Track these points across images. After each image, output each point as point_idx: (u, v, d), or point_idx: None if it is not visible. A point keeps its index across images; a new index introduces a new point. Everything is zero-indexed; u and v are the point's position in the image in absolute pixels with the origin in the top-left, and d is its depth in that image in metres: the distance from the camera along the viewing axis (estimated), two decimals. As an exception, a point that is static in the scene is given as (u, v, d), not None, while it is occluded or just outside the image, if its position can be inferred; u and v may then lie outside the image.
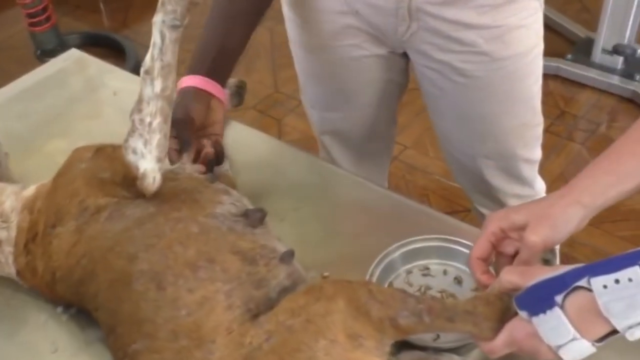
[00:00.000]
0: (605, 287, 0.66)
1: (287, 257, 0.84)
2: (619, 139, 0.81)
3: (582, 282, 0.68)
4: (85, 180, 0.90)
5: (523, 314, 0.72)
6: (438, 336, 0.85)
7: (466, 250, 0.94)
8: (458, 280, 0.94)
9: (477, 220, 1.49)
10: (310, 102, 1.39)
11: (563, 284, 0.69)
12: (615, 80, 2.55)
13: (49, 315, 0.94)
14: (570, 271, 0.70)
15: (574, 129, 2.44)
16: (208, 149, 1.06)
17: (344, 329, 0.74)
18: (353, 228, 1.04)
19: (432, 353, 0.82)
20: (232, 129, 1.21)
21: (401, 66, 1.27)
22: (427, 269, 0.95)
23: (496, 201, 1.35)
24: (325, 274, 0.96)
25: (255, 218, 0.88)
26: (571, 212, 0.78)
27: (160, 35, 0.87)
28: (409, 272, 0.95)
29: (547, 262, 0.83)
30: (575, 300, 0.69)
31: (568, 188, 0.80)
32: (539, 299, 0.71)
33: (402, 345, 0.82)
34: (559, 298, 0.69)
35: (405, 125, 2.31)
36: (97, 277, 0.82)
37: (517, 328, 0.74)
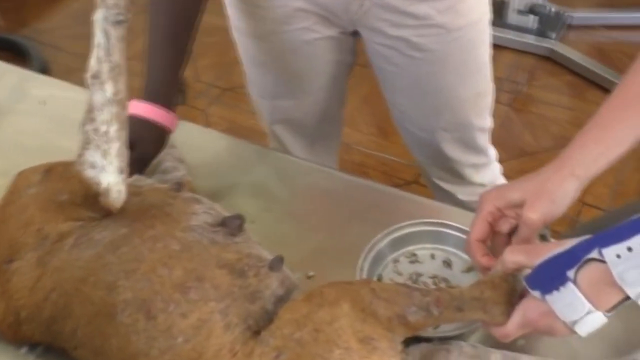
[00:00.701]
0: (618, 256, 0.64)
1: (277, 263, 0.79)
2: (603, 106, 0.80)
3: (594, 254, 0.66)
4: (39, 206, 0.81)
5: (536, 293, 0.70)
6: (438, 324, 0.82)
7: (453, 232, 0.91)
8: (447, 264, 0.91)
9: (432, 194, 1.48)
10: (259, 91, 1.33)
11: (574, 258, 0.67)
12: (531, 39, 2.60)
13: (11, 357, 0.85)
14: (578, 244, 0.68)
15: (499, 90, 2.44)
16: None
17: (354, 333, 0.70)
18: (329, 221, 1.00)
19: (439, 343, 0.79)
20: (178, 129, 1.14)
21: (351, 46, 1.23)
22: (414, 255, 0.92)
23: (454, 173, 1.34)
24: (311, 273, 0.91)
25: (234, 225, 0.82)
26: (567, 186, 0.76)
27: (104, 34, 0.79)
28: (396, 260, 0.92)
29: (542, 237, 0.81)
30: (588, 273, 0.67)
31: (560, 161, 0.78)
32: (551, 276, 0.69)
33: (407, 340, 0.78)
34: (571, 273, 0.67)
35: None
36: (73, 312, 0.74)
37: (530, 308, 0.71)
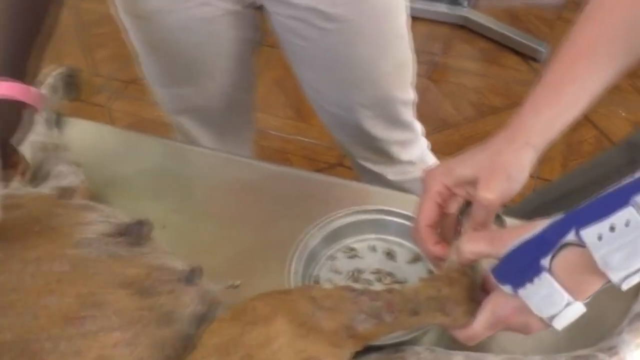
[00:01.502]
0: (600, 238, 0.54)
1: (194, 275, 0.66)
2: (550, 67, 0.70)
3: (570, 238, 0.56)
4: None
5: (506, 288, 0.60)
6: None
7: (394, 219, 0.80)
8: (390, 255, 0.80)
9: (357, 175, 1.38)
10: (157, 79, 1.18)
11: (547, 244, 0.57)
12: (444, 8, 2.53)
13: None
14: (550, 227, 0.58)
15: (417, 62, 2.39)
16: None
17: (295, 355, 0.58)
18: (253, 218, 0.87)
19: (391, 351, 0.67)
20: (73, 129, 0.98)
21: (254, 21, 1.09)
22: (353, 249, 0.81)
23: (379, 152, 1.25)
24: (236, 282, 0.78)
25: (139, 234, 0.68)
26: (524, 157, 0.66)
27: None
28: (332, 257, 0.80)
29: (498, 218, 0.71)
30: (565, 259, 0.57)
31: (512, 130, 0.68)
32: (522, 267, 0.59)
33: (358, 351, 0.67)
34: (545, 261, 0.57)
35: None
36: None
37: (500, 305, 0.61)
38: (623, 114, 2.17)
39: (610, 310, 0.73)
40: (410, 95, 1.22)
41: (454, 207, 0.70)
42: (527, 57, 2.35)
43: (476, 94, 2.24)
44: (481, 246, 0.62)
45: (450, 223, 0.70)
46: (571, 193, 0.91)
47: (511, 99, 2.18)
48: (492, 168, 0.65)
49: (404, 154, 1.27)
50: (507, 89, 2.23)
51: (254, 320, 0.60)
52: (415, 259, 0.79)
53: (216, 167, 0.96)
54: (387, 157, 1.27)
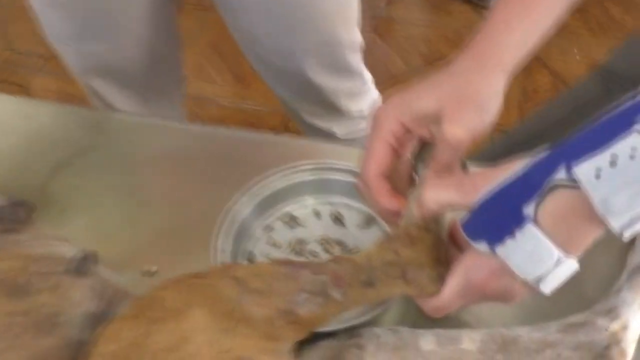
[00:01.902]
0: (598, 175, 0.42)
1: (86, 263, 0.51)
2: None
3: (559, 176, 0.43)
4: None
5: (480, 245, 0.47)
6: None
7: (339, 177, 0.67)
8: (338, 220, 0.67)
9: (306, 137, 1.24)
10: (59, 35, 1.01)
11: (530, 188, 0.45)
12: (385, -43, 2.38)
13: None
14: (533, 165, 0.46)
15: (362, 17, 2.24)
16: None
17: (218, 355, 0.44)
18: (175, 190, 0.72)
19: (345, 338, 0.54)
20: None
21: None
22: (293, 216, 0.67)
23: (327, 105, 1.12)
24: (153, 268, 0.64)
25: (14, 218, 0.53)
26: (496, 83, 0.53)
27: None
28: (269, 228, 0.66)
29: (461, 164, 0.58)
30: (553, 205, 0.44)
31: (479, 52, 0.55)
32: (500, 217, 0.46)
33: (301, 341, 0.53)
34: (529, 209, 0.45)
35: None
36: None
37: (474, 267, 0.49)
38: (577, 56, 2.07)
39: (599, 263, 0.62)
40: (357, 37, 1.09)
41: (407, 149, 0.57)
42: (475, 3, 2.23)
43: (426, 44, 2.11)
44: (447, 193, 0.49)
45: (404, 170, 0.57)
46: (545, 130, 0.79)
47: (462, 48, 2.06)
48: (459, 98, 0.52)
49: (354, 106, 1.15)
50: (458, 37, 2.11)
51: (162, 316, 0.46)
52: (368, 221, 0.66)
53: (132, 133, 0.80)
54: (336, 111, 1.14)
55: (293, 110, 1.19)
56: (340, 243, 0.65)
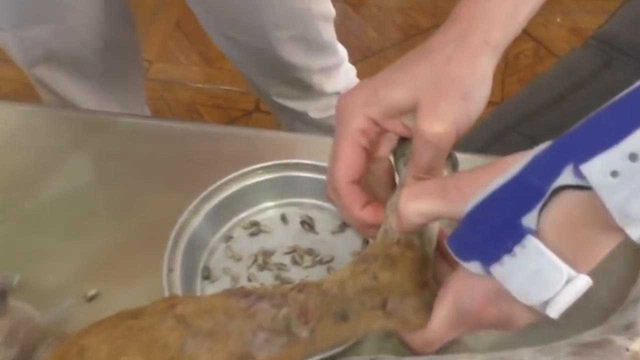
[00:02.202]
0: (614, 173, 0.33)
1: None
2: None
3: (565, 178, 0.35)
4: None
5: (472, 265, 0.38)
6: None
7: (308, 175, 0.58)
8: (308, 225, 0.57)
9: (278, 119, 1.15)
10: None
11: (530, 193, 0.36)
12: None
13: None
14: (531, 164, 0.37)
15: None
16: None
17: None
18: (123, 198, 0.62)
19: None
20: None
21: None
22: (255, 223, 0.58)
23: (299, 84, 1.04)
24: (90, 292, 0.55)
25: None
26: (483, 63, 0.44)
27: None
28: (227, 238, 0.57)
29: (449, 158, 0.48)
30: (560, 213, 0.36)
31: (462, 27, 0.45)
32: (495, 231, 0.37)
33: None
34: (529, 219, 0.36)
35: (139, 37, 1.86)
36: None
37: (464, 293, 0.40)
38: (559, 20, 1.98)
39: (612, 265, 0.53)
40: (329, 7, 1.01)
41: (385, 149, 0.48)
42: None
43: (400, 14, 2.01)
44: (430, 202, 0.40)
45: (381, 172, 0.48)
46: (537, 110, 0.70)
47: (439, 17, 1.95)
48: (438, 84, 0.43)
49: (329, 84, 1.07)
50: (434, 6, 2.01)
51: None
52: (343, 225, 0.57)
53: (73, 130, 0.70)
54: (309, 90, 1.06)
55: (263, 92, 1.10)
56: (311, 252, 0.56)
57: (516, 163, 0.37)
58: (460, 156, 0.49)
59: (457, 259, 0.39)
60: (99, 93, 1.06)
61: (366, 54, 1.86)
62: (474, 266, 0.38)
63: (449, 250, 0.39)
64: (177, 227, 0.54)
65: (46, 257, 0.58)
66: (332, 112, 1.09)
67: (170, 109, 1.78)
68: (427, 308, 0.41)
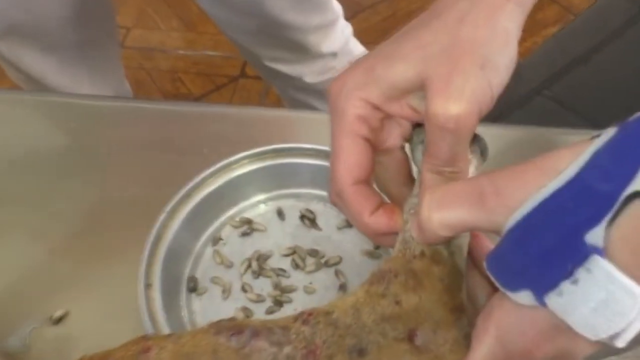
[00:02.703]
0: None
1: None
2: None
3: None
4: None
5: (521, 296, 0.30)
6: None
7: (308, 161, 0.49)
8: (310, 220, 0.49)
9: (266, 84, 1.06)
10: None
11: (597, 200, 0.27)
12: None
13: None
14: (593, 162, 0.28)
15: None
16: None
17: None
18: (102, 195, 0.53)
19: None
20: None
21: None
22: (247, 221, 0.49)
23: (293, 46, 0.96)
24: (57, 313, 0.46)
25: None
26: (505, 23, 0.34)
27: None
28: (214, 240, 0.48)
29: (475, 141, 0.39)
30: (633, 226, 0.27)
31: None
32: (549, 251, 0.28)
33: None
34: (594, 236, 0.27)
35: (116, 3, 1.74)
36: None
37: (511, 329, 0.31)
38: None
39: None
40: None
41: (395, 138, 0.38)
42: None
43: (392, -34, 1.89)
44: (461, 212, 0.31)
45: (394, 166, 0.39)
46: (566, 69, 0.61)
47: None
48: (450, 53, 0.33)
49: (325, 44, 0.98)
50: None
51: None
52: (344, 226, 0.49)
53: (31, 117, 0.61)
54: (304, 52, 0.98)
55: (253, 57, 1.01)
56: (314, 253, 0.47)
57: (569, 157, 0.28)
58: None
59: (501, 287, 0.30)
60: (70, 67, 0.97)
61: (355, 10, 1.75)
62: (524, 297, 0.30)
63: (490, 276, 0.31)
64: (153, 232, 0.45)
65: (9, 272, 0.49)
66: (329, 75, 1.01)
67: (152, 79, 1.67)
68: (464, 341, 0.33)
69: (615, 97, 0.62)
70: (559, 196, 0.28)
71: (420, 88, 0.34)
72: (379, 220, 0.36)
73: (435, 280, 0.33)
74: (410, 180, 0.38)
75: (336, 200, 0.37)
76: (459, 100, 0.33)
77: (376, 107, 0.36)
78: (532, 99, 0.61)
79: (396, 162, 0.38)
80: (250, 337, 0.32)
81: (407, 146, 0.38)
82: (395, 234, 0.36)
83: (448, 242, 0.35)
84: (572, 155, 0.29)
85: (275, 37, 0.94)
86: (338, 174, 0.36)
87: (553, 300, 0.28)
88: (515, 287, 0.30)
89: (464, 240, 0.36)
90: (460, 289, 0.34)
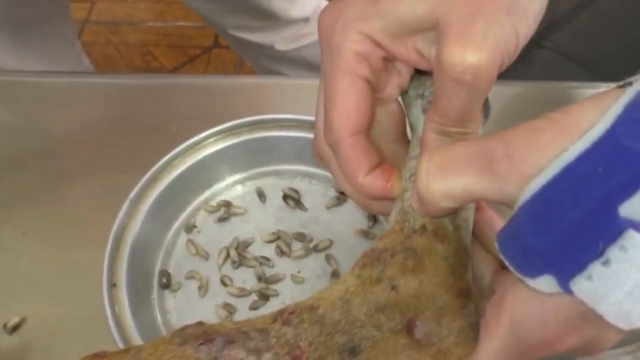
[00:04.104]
0: None
1: None
2: None
3: None
4: None
5: (542, 282, 0.24)
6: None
7: (291, 134, 0.43)
8: (294, 200, 0.43)
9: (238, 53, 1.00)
10: None
11: (632, 165, 0.22)
12: None
13: None
14: (625, 118, 0.23)
15: None
16: None
17: None
18: (60, 184, 0.47)
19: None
20: None
21: None
22: (223, 205, 0.43)
23: (260, 12, 0.88)
24: (14, 320, 0.41)
25: None
26: None
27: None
28: (188, 227, 0.43)
29: (484, 110, 0.33)
30: None
31: None
32: (575, 227, 0.23)
33: None
34: (630, 207, 0.22)
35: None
36: None
37: (529, 319, 0.26)
38: None
39: None
40: None
41: (392, 87, 0.33)
42: None
43: None
44: (466, 179, 0.26)
45: (387, 120, 0.33)
46: (566, 16, 0.55)
47: None
48: None
49: (295, 9, 0.91)
50: None
51: None
52: (341, 196, 0.43)
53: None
54: (271, 18, 0.90)
55: (219, 26, 0.94)
56: (301, 237, 0.42)
57: (602, 113, 0.23)
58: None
59: (516, 272, 0.25)
60: (17, 47, 0.89)
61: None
62: (545, 283, 0.24)
63: (503, 258, 0.26)
64: (116, 223, 0.40)
65: None
66: (303, 41, 0.95)
67: (120, 54, 1.60)
68: (471, 330, 0.28)
69: (618, 44, 0.57)
70: (586, 160, 0.23)
71: (431, 28, 0.29)
72: (375, 183, 0.31)
73: (438, 260, 0.28)
74: (403, 138, 0.33)
75: (324, 154, 0.32)
76: (480, 48, 0.27)
77: (378, 44, 0.30)
78: (533, 51, 0.55)
79: (391, 115, 0.33)
80: (222, 346, 0.26)
81: (400, 99, 0.33)
82: (390, 199, 0.31)
83: (454, 214, 0.30)
84: (597, 108, 0.23)
85: (238, 3, 0.87)
86: (335, 122, 0.31)
87: (580, 285, 0.23)
88: (534, 272, 0.25)
89: (470, 213, 0.30)
90: (466, 269, 0.29)
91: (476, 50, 0.27)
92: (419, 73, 0.33)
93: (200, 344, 0.27)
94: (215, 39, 1.57)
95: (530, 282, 0.25)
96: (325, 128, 0.32)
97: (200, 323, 0.28)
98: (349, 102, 0.31)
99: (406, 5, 0.29)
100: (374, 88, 0.31)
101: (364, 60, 0.30)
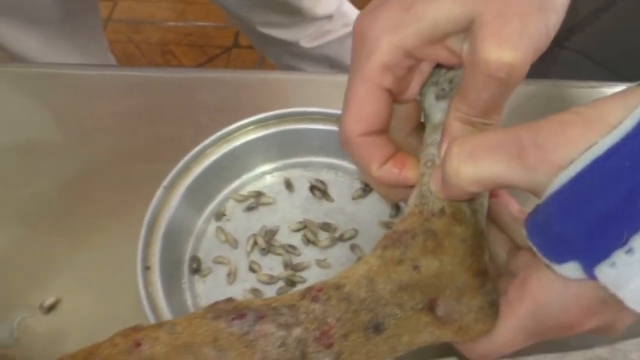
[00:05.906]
0: None
1: None
2: None
3: None
4: None
5: (568, 268, 0.26)
6: None
7: (318, 127, 0.44)
8: (320, 191, 0.45)
9: (261, 53, 1.01)
10: None
11: None
12: None
13: None
14: None
15: None
16: None
17: None
18: (94, 173, 0.49)
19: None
20: None
21: None
22: (252, 195, 0.45)
23: (286, 9, 0.90)
24: (49, 300, 0.42)
25: None
26: None
27: None
28: (218, 215, 0.44)
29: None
30: None
31: None
32: (602, 217, 0.24)
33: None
34: None
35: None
36: None
37: (552, 302, 0.28)
38: None
39: None
40: None
41: (414, 88, 0.34)
42: None
43: None
44: (496, 165, 0.27)
45: (404, 111, 0.35)
46: (588, 17, 0.56)
47: None
48: None
49: (320, 6, 0.93)
50: None
51: None
52: (366, 188, 0.44)
53: (19, 92, 0.56)
54: (298, 15, 0.92)
55: (245, 23, 0.96)
56: (327, 227, 0.43)
57: (630, 110, 0.24)
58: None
59: (544, 258, 0.27)
60: (53, 42, 0.92)
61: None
62: (570, 269, 0.26)
63: (531, 244, 0.27)
64: (150, 209, 0.41)
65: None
66: (326, 39, 0.96)
67: (141, 52, 1.62)
68: (490, 308, 0.29)
69: (636, 45, 0.57)
70: (614, 154, 0.24)
71: (464, 30, 0.30)
72: (387, 174, 0.32)
73: (457, 242, 0.30)
74: (419, 129, 0.34)
75: (345, 146, 0.33)
76: (516, 46, 0.28)
77: (408, 55, 0.31)
78: (553, 51, 0.56)
79: (406, 108, 0.34)
80: (254, 321, 0.28)
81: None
82: (407, 187, 0.32)
83: (471, 199, 0.31)
84: (624, 105, 0.25)
85: (268, 0, 0.89)
86: (346, 124, 0.32)
87: (604, 272, 0.24)
88: (560, 258, 0.26)
89: (485, 198, 0.32)
90: (483, 251, 0.30)
91: (512, 49, 0.28)
92: (437, 66, 0.34)
93: (233, 318, 0.28)
94: (235, 39, 1.59)
95: (557, 267, 0.26)
96: (339, 126, 0.33)
97: (230, 299, 0.29)
98: (362, 109, 0.32)
99: (442, 10, 0.30)
100: (395, 93, 0.33)
101: (389, 72, 0.32)
